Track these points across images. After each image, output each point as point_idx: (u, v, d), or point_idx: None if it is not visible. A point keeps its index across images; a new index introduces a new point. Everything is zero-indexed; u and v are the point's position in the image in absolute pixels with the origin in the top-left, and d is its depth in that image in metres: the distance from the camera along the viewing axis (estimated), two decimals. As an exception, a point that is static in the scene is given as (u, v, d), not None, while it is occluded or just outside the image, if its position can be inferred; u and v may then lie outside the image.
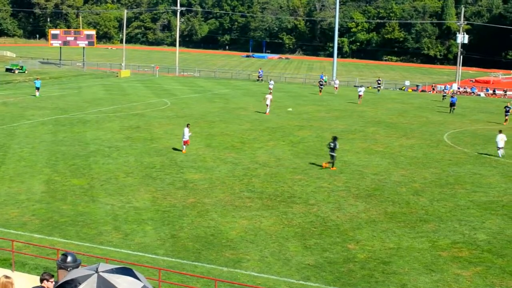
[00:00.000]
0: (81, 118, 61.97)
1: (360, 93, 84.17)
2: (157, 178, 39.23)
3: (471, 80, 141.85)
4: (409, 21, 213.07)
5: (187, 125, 48.13)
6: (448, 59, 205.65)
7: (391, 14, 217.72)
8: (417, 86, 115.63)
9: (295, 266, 25.61)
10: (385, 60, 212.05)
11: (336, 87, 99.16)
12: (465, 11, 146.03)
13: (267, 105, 69.95)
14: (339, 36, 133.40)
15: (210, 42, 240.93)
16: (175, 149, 48.27)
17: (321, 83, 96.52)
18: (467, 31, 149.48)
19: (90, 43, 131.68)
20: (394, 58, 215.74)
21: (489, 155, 50.35)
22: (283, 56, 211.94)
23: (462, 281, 24.78)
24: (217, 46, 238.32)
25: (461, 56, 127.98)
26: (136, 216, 31.65)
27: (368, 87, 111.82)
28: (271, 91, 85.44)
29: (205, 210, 32.89)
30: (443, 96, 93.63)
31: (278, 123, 62.85)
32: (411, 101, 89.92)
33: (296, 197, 36.00)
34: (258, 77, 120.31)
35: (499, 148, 49.83)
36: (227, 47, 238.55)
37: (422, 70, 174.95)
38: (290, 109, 66.70)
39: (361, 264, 26.09)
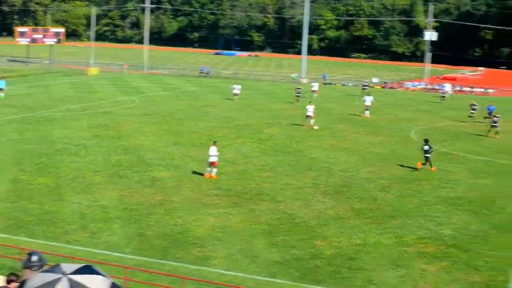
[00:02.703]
0: (48, 116, 61.51)
1: (367, 103, 70.03)
2: (125, 176, 39.05)
3: (438, 77, 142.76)
4: (378, 18, 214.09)
5: (214, 143, 40.62)
6: (416, 56, 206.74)
7: (360, 12, 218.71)
8: (385, 83, 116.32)
9: (262, 263, 25.63)
10: (354, 57, 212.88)
11: (315, 90, 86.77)
12: (433, 9, 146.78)
13: (309, 116, 60.81)
14: (308, 33, 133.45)
15: (179, 39, 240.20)
16: (144, 147, 48.15)
17: (298, 91, 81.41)
18: (435, 29, 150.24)
19: (58, 41, 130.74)
20: (363, 55, 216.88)
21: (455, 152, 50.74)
22: (253, 53, 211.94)
23: (427, 276, 24.96)
24: (186, 44, 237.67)
25: (429, 53, 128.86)
26: (103, 214, 31.48)
27: (335, 84, 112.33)
28: (238, 96, 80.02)
29: (172, 208, 32.80)
30: (442, 96, 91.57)
31: (246, 120, 62.84)
32: (379, 98, 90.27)
33: (264, 194, 36.02)
34: (200, 72, 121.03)
35: None
36: (196, 44, 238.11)
37: (390, 67, 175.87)
38: (316, 127, 58.90)
39: (328, 261, 26.16)
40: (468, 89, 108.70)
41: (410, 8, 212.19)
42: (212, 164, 39.41)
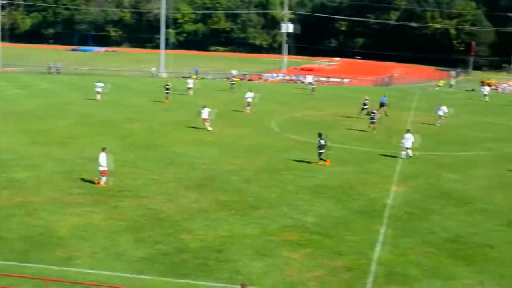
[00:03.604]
0: None
1: (248, 99, 69.55)
2: (-19, 179, 37.67)
3: (296, 68, 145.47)
4: (235, 11, 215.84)
5: (103, 149, 37.19)
6: (274, 48, 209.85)
7: (217, 5, 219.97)
8: (244, 75, 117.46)
9: (128, 260, 25.33)
10: (213, 51, 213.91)
11: (191, 87, 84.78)
12: (289, 1, 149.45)
13: (204, 119, 55.76)
14: (166, 27, 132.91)
15: (34, 36, 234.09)
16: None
17: (167, 87, 76.32)
18: (292, 21, 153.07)
19: None
20: (221, 48, 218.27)
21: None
22: (110, 48, 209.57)
23: (292, 264, 25.37)
24: (41, 40, 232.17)
25: (286, 45, 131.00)
26: (-41, 219, 30.26)
27: (196, 78, 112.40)
28: (99, 95, 74.99)
29: (33, 209, 31.88)
30: (312, 88, 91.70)
31: (106, 116, 61.99)
32: (239, 90, 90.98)
33: (127, 190, 35.59)
34: (49, 68, 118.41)
35: (406, 148, 46.11)
36: (52, 40, 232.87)
37: (249, 59, 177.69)
38: (210, 129, 51.76)
39: (194, 254, 26.16)
40: (325, 79, 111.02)
41: (266, 0, 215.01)
42: (103, 172, 36.41)
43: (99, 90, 75.63)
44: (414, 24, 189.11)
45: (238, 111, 68.33)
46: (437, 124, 62.38)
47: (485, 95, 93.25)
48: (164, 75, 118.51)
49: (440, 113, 63.26)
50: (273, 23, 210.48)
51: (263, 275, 24.31)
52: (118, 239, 27.74)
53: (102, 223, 29.81)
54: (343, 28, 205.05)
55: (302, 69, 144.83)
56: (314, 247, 27.34)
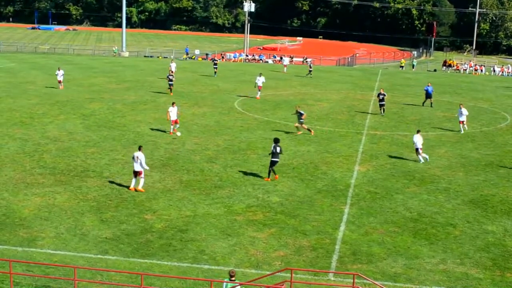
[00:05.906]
0: None
1: (259, 84, 64.61)
2: None
3: (259, 48, 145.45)
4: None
5: (139, 148, 32.90)
6: (236, 28, 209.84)
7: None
8: (206, 54, 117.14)
9: (92, 241, 25.23)
10: (175, 30, 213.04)
11: (173, 71, 74.13)
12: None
13: (173, 121, 46.32)
14: (127, 6, 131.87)
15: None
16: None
17: (170, 78, 65.82)
18: (254, 0, 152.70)
19: None
20: (184, 27, 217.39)
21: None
22: (71, 27, 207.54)
23: (257, 243, 25.46)
24: (0, 18, 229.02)
25: (249, 24, 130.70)
26: None
27: (158, 57, 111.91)
28: (61, 82, 67.66)
29: (-5, 190, 31.61)
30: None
31: (68, 96, 61.40)
32: (201, 69, 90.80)
33: (90, 170, 35.40)
34: None
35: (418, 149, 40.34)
36: (10, 19, 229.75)
37: (211, 38, 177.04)
38: (179, 134, 44.02)
39: (159, 234, 26.13)
40: (288, 58, 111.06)
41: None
42: (137, 174, 32.38)
43: (61, 79, 68.54)
44: (376, 4, 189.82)
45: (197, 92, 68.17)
46: (462, 131, 50.69)
47: None
48: (125, 54, 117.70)
49: (462, 118, 50.99)
50: (235, 2, 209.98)
51: (228, 254, 24.37)
52: (82, 219, 27.61)
53: (65, 204, 29.63)
54: (305, 8, 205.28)
55: (264, 48, 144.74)
56: (279, 226, 27.46)
